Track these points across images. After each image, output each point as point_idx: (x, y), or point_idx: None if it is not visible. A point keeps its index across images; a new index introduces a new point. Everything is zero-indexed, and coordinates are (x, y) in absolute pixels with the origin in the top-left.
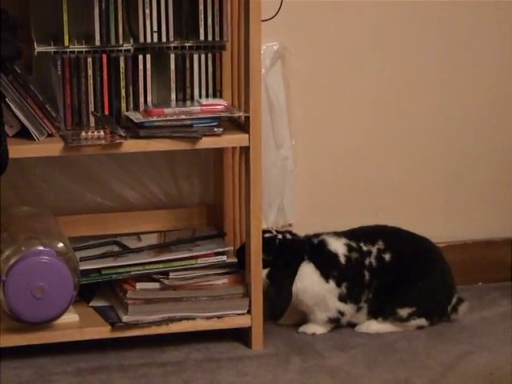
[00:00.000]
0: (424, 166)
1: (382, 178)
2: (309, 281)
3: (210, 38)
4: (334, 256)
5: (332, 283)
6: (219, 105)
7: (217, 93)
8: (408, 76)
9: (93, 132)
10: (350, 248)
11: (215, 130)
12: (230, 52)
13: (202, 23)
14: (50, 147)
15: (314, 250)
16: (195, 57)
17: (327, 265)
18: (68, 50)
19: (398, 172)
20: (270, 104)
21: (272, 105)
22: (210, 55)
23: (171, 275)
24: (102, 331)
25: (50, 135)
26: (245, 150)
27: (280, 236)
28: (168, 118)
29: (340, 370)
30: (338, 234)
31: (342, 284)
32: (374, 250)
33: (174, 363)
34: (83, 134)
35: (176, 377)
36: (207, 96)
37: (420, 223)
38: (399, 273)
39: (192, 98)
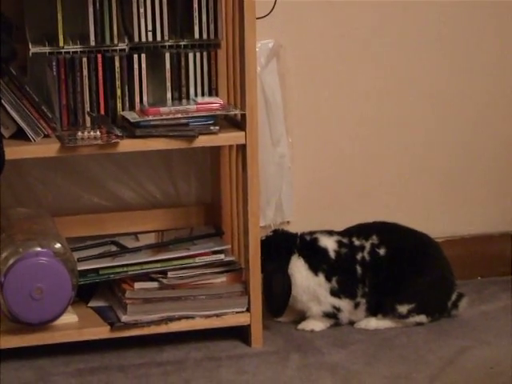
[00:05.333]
0: (422, 162)
1: (380, 174)
2: (298, 275)
3: (204, 36)
4: (324, 251)
5: (321, 277)
6: (215, 103)
7: (212, 91)
8: (405, 71)
9: (89, 132)
10: (340, 244)
11: (211, 128)
12: (225, 50)
13: (196, 21)
14: (47, 148)
15: (305, 245)
16: (190, 55)
17: (316, 259)
18: (63, 50)
19: (396, 168)
20: (266, 101)
21: (268, 102)
22: (205, 53)
23: (169, 274)
24: (101, 331)
25: (46, 136)
26: (241, 148)
27: (262, 237)
28: (164, 117)
29: (339, 366)
30: (331, 232)
31: (331, 278)
32: (368, 244)
33: (174, 362)
34: (79, 134)
35: (176, 376)
36: (203, 94)
37: (419, 218)
38: (396, 268)
39: (188, 97)
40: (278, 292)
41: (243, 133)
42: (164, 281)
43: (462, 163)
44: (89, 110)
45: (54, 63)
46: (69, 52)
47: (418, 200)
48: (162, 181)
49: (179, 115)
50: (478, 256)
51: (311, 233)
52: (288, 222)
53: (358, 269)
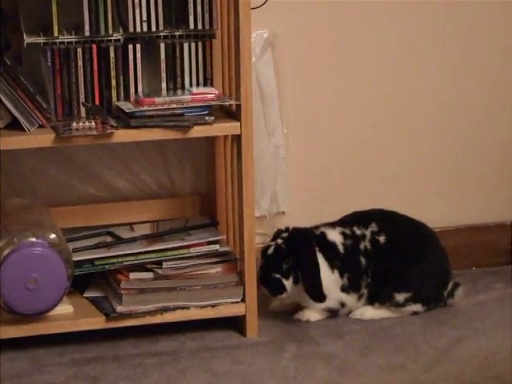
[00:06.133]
0: (418, 152)
1: (375, 164)
2: (321, 272)
3: (199, 26)
4: (334, 245)
5: (336, 274)
6: (210, 93)
7: (207, 81)
8: (401, 63)
9: (84, 122)
10: (344, 235)
11: (206, 118)
12: (220, 40)
13: (191, 11)
14: (41, 138)
15: (318, 240)
16: (185, 45)
17: (331, 255)
18: (58, 40)
19: (392, 158)
20: (260, 92)
21: (263, 93)
22: (200, 44)
23: (164, 265)
24: (97, 322)
25: (40, 126)
26: (236, 139)
27: (279, 241)
28: (159, 107)
29: (335, 356)
30: (332, 225)
31: (344, 275)
32: (368, 232)
33: (169, 353)
34: (74, 124)
35: (171, 366)
36: (198, 85)
37: (415, 209)
38: (395, 256)
39: (183, 87)
40: (319, 285)
41: (238, 123)
42: (159, 271)
43: (457, 153)
44: (84, 100)
45: (48, 53)
46: (64, 42)
47: (414, 190)
48: (157, 171)
49: (174, 105)
50: (473, 246)
51: (315, 227)
52: (283, 213)
53: (362, 260)
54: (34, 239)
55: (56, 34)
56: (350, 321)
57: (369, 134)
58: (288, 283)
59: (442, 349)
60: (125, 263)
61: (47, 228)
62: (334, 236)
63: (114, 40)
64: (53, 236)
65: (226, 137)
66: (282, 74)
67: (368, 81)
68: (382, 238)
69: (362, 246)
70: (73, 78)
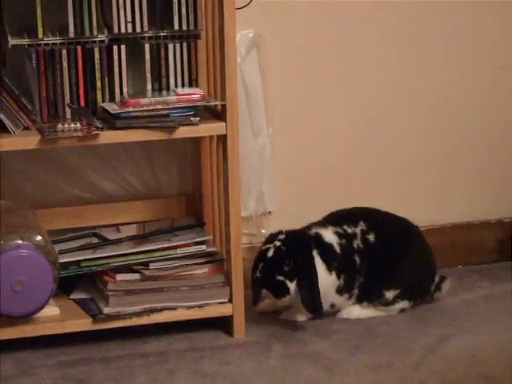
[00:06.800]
0: (403, 152)
1: (361, 164)
2: (319, 275)
3: (184, 27)
4: (331, 246)
5: (334, 275)
6: (195, 94)
7: (192, 82)
8: (387, 60)
9: (69, 124)
10: (339, 235)
11: (192, 119)
12: (205, 41)
13: (176, 12)
14: (27, 140)
15: (315, 242)
16: (170, 46)
17: (328, 256)
18: (42, 42)
19: (377, 157)
20: (246, 92)
21: (248, 93)
22: (184, 44)
23: (151, 266)
24: (84, 324)
25: (26, 128)
26: (222, 139)
27: (277, 243)
28: (144, 108)
29: (322, 355)
30: (322, 224)
31: (340, 276)
32: (358, 231)
33: (157, 354)
34: (59, 126)
35: (159, 367)
36: (183, 85)
37: (400, 207)
38: (383, 253)
39: (168, 88)
40: (317, 295)
41: (224, 123)
42: (146, 272)
43: (443, 152)
44: (69, 101)
45: (33, 55)
46: (48, 44)
47: (400, 189)
48: (142, 172)
49: (159, 106)
50: (458, 244)
51: (306, 227)
52: (269, 213)
53: (357, 259)
54: (19, 241)
55: (40, 35)
56: (337, 320)
57: (354, 134)
58: (292, 285)
59: (428, 347)
60: (111, 265)
61: (33, 230)
62: (330, 236)
63: (99, 41)
64: (39, 238)
65: (211, 137)
66: (268, 74)
67: (354, 81)
68: (371, 237)
69: (355, 245)
70: (58, 80)
